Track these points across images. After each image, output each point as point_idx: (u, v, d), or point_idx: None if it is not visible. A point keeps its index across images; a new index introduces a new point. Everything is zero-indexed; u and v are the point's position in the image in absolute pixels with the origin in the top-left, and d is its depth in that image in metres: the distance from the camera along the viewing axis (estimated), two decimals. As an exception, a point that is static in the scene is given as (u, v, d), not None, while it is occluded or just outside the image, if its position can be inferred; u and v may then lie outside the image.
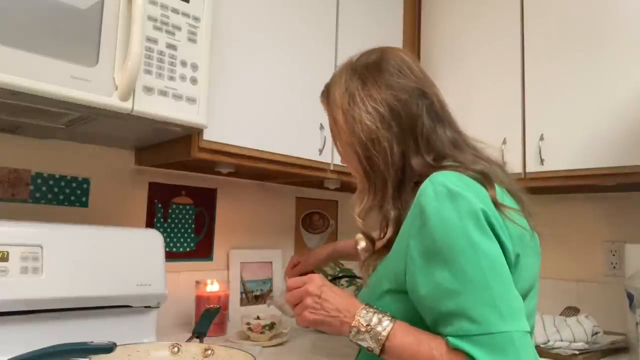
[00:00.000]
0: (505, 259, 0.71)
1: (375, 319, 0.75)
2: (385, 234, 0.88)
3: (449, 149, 0.84)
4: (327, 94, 0.95)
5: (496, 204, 0.73)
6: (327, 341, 1.44)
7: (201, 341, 1.20)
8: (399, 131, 0.83)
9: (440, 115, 0.86)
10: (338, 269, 1.91)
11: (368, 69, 0.89)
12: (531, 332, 0.76)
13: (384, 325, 0.74)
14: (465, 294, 0.68)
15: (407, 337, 0.73)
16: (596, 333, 1.40)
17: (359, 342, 0.76)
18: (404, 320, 0.75)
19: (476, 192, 0.73)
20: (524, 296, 0.76)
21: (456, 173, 0.75)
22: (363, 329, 0.75)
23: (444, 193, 0.72)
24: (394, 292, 0.78)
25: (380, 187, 0.84)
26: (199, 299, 1.48)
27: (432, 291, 0.71)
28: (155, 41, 1.11)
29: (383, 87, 0.85)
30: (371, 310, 0.76)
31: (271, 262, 1.88)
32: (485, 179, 0.76)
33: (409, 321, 0.75)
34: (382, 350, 0.73)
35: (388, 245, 0.83)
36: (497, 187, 0.77)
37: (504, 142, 1.67)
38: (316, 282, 0.82)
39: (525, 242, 0.77)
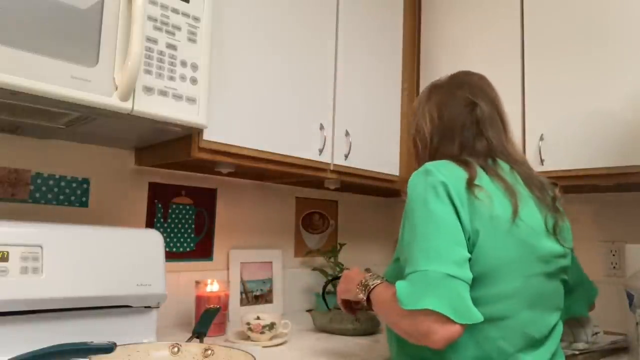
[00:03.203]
0: (462, 224, 0.87)
1: (370, 280, 1.02)
2: None
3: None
4: None
5: (470, 184, 0.90)
6: (327, 341, 1.44)
7: (201, 341, 1.20)
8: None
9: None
10: (338, 269, 1.92)
11: None
12: (504, 317, 0.89)
13: (373, 283, 1.00)
14: (413, 243, 0.88)
15: (383, 287, 0.98)
16: (596, 333, 1.40)
17: (359, 295, 1.02)
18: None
19: (449, 172, 0.91)
20: (492, 276, 0.88)
21: (446, 161, 0.96)
22: (361, 286, 1.02)
23: (421, 171, 0.94)
24: (397, 260, 0.99)
25: None
26: (199, 299, 1.47)
27: (403, 244, 0.92)
28: (155, 41, 1.11)
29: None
30: (373, 276, 1.03)
31: (271, 262, 1.88)
32: (467, 166, 0.94)
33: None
34: (368, 299, 1.00)
35: None
36: (486, 176, 0.94)
37: (504, 142, 1.67)
38: (346, 272, 1.15)
39: (497, 224, 0.89)
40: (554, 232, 0.96)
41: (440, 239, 0.86)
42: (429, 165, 0.93)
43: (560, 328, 1.00)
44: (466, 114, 1.03)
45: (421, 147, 1.08)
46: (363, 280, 1.02)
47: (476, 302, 0.85)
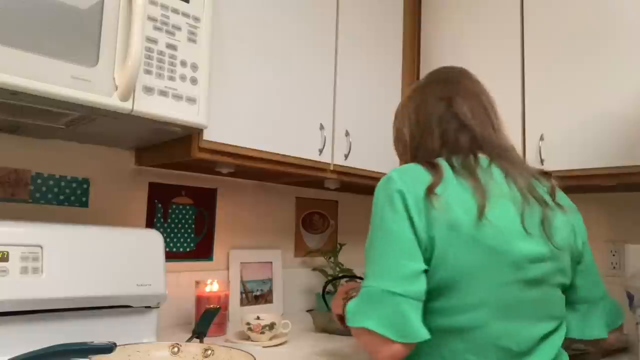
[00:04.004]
0: (415, 235, 0.84)
1: (353, 292, 0.98)
2: None
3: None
4: None
5: (428, 192, 0.86)
6: (327, 341, 1.44)
7: (201, 341, 1.20)
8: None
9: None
10: (338, 269, 1.92)
11: None
12: (470, 328, 0.84)
13: (354, 295, 0.95)
14: (367, 257, 0.88)
15: None
16: None
17: (344, 308, 0.96)
18: None
19: (412, 178, 0.88)
20: (455, 285, 0.83)
21: (414, 164, 0.93)
22: (345, 299, 1.00)
23: (385, 177, 0.91)
24: None
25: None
26: (199, 299, 1.48)
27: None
28: (155, 41, 1.11)
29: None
30: (357, 288, 0.98)
31: (271, 262, 1.88)
32: (433, 169, 0.90)
33: None
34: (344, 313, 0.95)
35: None
36: (453, 178, 0.88)
37: (504, 142, 1.67)
38: (341, 287, 1.16)
39: (458, 231, 0.83)
40: (543, 228, 0.89)
41: (389, 254, 0.85)
42: (394, 171, 0.91)
43: (556, 339, 0.91)
44: (443, 108, 0.99)
45: (402, 148, 1.06)
46: (349, 292, 1.01)
47: (440, 312, 0.84)
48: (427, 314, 0.85)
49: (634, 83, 1.45)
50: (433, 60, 1.96)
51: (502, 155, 0.96)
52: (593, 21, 1.55)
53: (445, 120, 0.98)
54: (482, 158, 0.95)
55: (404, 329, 0.80)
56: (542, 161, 1.59)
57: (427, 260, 0.84)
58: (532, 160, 1.62)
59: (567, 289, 0.98)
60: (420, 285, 0.82)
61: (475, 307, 0.84)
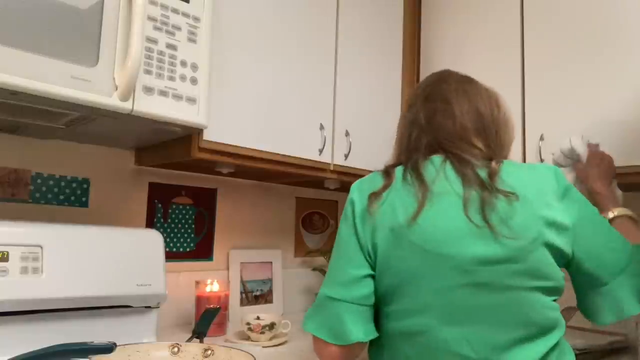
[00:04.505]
0: (358, 242, 0.87)
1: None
2: None
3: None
4: None
5: (371, 199, 0.88)
6: (327, 341, 1.44)
7: (201, 341, 1.20)
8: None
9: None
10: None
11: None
12: (417, 333, 0.83)
13: None
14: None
15: None
16: None
17: None
18: None
19: (366, 186, 0.91)
20: (399, 290, 0.84)
21: (375, 172, 0.94)
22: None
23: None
24: None
25: None
26: (199, 299, 1.48)
27: None
28: (155, 41, 1.11)
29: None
30: None
31: (271, 262, 1.88)
32: (386, 176, 0.91)
33: None
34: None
35: None
36: (400, 182, 0.88)
37: (504, 142, 1.66)
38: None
39: (398, 234, 0.84)
40: (491, 225, 0.80)
41: (335, 262, 0.90)
42: (357, 181, 0.95)
43: (537, 346, 0.82)
44: (411, 115, 1.00)
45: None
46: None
47: (392, 316, 0.86)
48: (382, 318, 0.89)
49: (633, 84, 1.45)
50: (433, 60, 1.96)
51: (458, 154, 0.90)
52: (593, 23, 1.55)
53: (410, 126, 1.00)
54: (436, 158, 0.91)
55: (338, 332, 0.85)
56: (542, 161, 1.59)
57: (374, 266, 0.87)
58: (532, 160, 1.62)
59: (578, 277, 0.89)
60: (362, 290, 0.86)
61: (421, 312, 0.83)
